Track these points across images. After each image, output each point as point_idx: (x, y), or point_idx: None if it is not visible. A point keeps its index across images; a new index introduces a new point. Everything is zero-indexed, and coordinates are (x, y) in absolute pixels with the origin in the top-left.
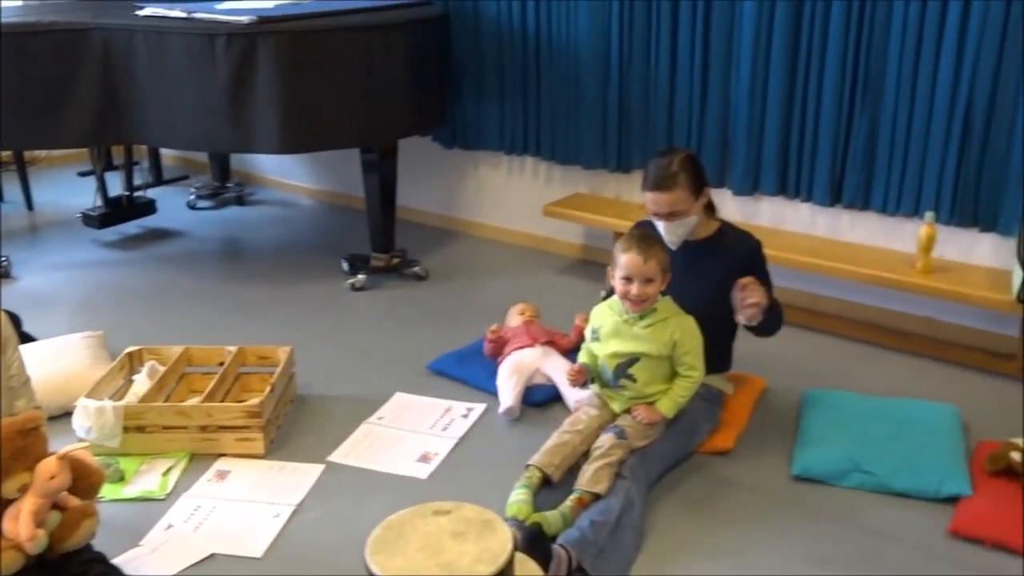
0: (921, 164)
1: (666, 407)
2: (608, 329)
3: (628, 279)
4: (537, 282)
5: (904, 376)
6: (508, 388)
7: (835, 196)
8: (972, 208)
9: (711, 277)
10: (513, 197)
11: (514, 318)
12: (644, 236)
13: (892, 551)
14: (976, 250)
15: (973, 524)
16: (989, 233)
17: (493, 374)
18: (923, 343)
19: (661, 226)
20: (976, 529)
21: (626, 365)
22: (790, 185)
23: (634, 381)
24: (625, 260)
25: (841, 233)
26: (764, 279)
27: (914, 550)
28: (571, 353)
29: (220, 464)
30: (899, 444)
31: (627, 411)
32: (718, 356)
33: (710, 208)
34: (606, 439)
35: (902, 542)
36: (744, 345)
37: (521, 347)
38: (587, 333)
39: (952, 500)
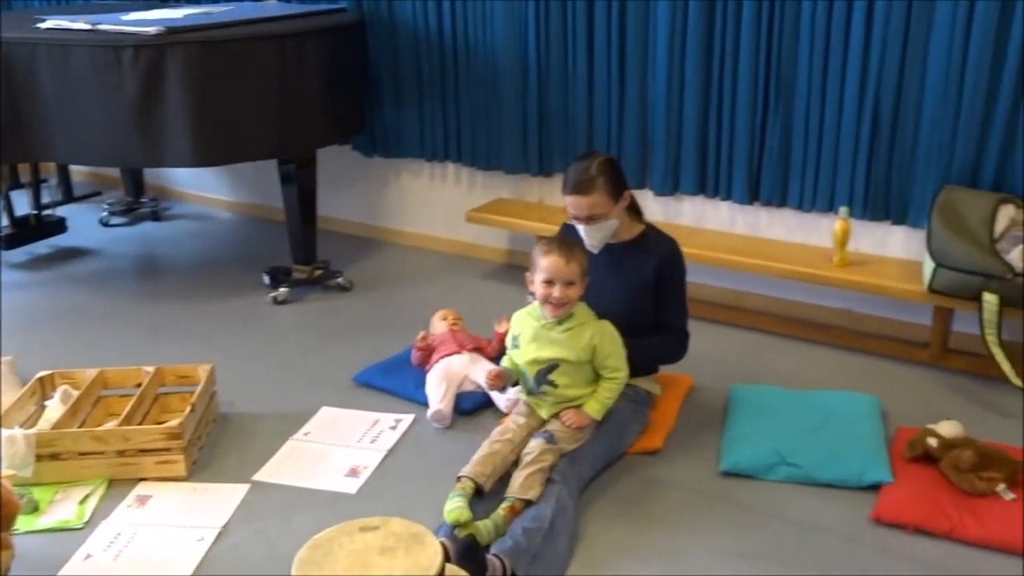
0: (834, 161)
1: (594, 409)
2: (527, 335)
3: (549, 282)
4: (462, 288)
5: (825, 368)
6: (438, 395)
7: (753, 194)
8: (884, 202)
9: (631, 280)
10: (436, 204)
11: (438, 324)
12: (565, 239)
13: (819, 542)
14: (889, 242)
15: (894, 510)
16: (901, 226)
17: (421, 384)
18: (842, 335)
19: (582, 229)
20: (898, 515)
21: (546, 371)
22: (709, 184)
23: (555, 387)
24: (547, 263)
25: (760, 230)
26: (674, 285)
27: (840, 540)
28: (497, 359)
29: (140, 489)
30: (823, 435)
31: (555, 416)
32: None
33: (634, 211)
34: (536, 445)
35: (828, 532)
36: None
37: (449, 354)
38: (508, 341)
39: (874, 487)
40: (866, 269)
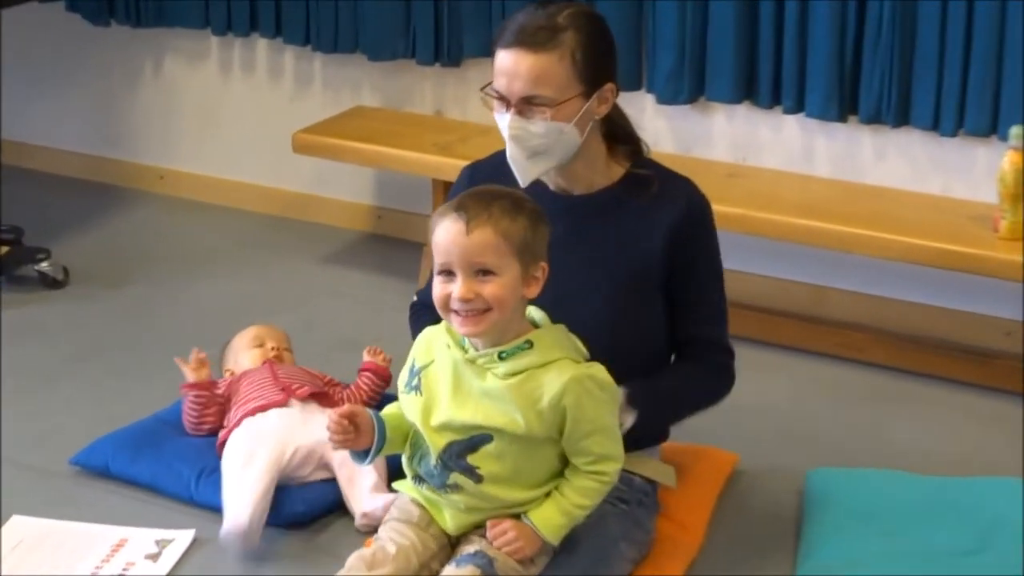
0: (997, 46)
1: (549, 523)
2: (439, 375)
3: (447, 271)
4: (287, 281)
5: (984, 433)
6: (243, 491)
7: (846, 103)
8: None
9: (618, 265)
10: (232, 119)
11: (244, 352)
12: (481, 188)
13: None
14: None
15: None
16: None
17: (210, 468)
18: (1014, 370)
19: (507, 133)
20: None
21: (464, 449)
22: (761, 84)
23: (477, 479)
24: (440, 233)
25: (859, 171)
26: (704, 267)
27: None
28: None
29: None
30: (985, 565)
31: (477, 529)
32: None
33: (620, 131)
34: (461, 572)
35: None
36: None
37: (263, 407)
38: (402, 376)
39: None
40: None
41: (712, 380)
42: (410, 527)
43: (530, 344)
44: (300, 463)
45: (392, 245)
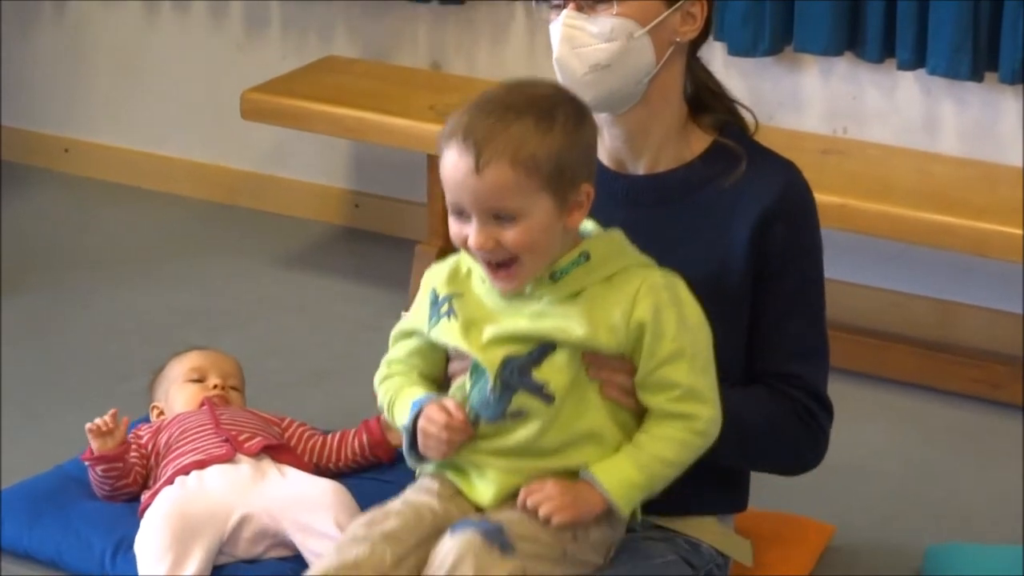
0: None
1: (617, 476)
2: (477, 301)
3: (458, 211)
4: (236, 290)
5: None
6: (170, 569)
7: (982, 57)
8: None
9: (692, 269)
10: (160, 74)
11: (179, 388)
12: (499, 92)
13: None
14: None
15: None
16: None
17: (129, 540)
18: None
19: (556, 37)
20: None
21: (526, 363)
22: (868, 33)
23: (547, 399)
24: (446, 165)
25: (1001, 146)
26: (801, 278)
27: None
28: (347, 472)
29: None
30: None
31: (511, 500)
32: (715, 472)
33: (710, 100)
34: (457, 543)
35: None
36: None
37: (200, 463)
38: (416, 312)
39: None
40: None
41: (792, 421)
42: (428, 494)
43: (587, 256)
44: (252, 539)
45: (374, 242)
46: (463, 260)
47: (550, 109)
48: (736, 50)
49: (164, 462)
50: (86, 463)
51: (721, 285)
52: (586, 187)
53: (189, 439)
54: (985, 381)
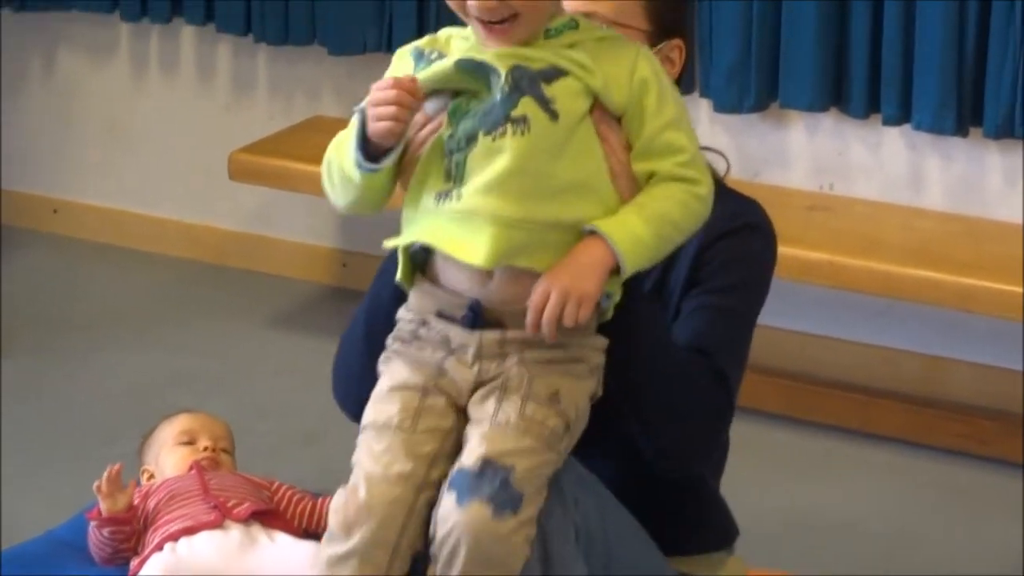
0: None
1: (625, 229)
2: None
3: None
4: (225, 352)
5: None
6: None
7: (966, 112)
8: None
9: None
10: (149, 134)
11: (168, 452)
12: None
13: None
14: None
15: None
16: None
17: None
18: None
19: None
20: None
21: (536, 76)
22: (853, 87)
23: (552, 115)
24: None
25: (987, 201)
26: (735, 296)
27: None
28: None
29: None
30: None
31: (490, 397)
32: (696, 509)
33: None
34: (463, 522)
35: None
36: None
37: (188, 530)
38: (394, 66)
39: None
40: None
41: (697, 376)
42: (393, 435)
43: (576, 23)
44: None
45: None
46: (441, 33)
47: None
48: (722, 107)
49: (152, 528)
50: (92, 522)
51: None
52: None
53: (178, 505)
54: (973, 436)
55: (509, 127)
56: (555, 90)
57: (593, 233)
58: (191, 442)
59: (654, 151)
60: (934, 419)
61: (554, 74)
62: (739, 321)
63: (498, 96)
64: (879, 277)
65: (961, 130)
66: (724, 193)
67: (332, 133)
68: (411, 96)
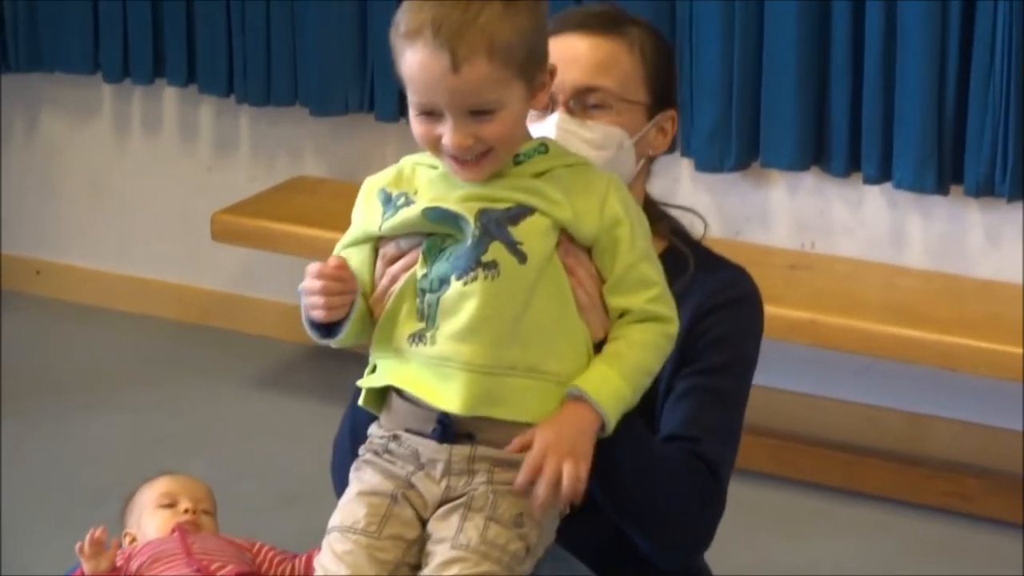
0: None
1: (607, 388)
2: (431, 183)
3: (428, 111)
4: (208, 413)
5: None
6: None
7: (946, 171)
8: None
9: None
10: (131, 195)
11: (150, 514)
12: None
13: None
14: None
15: None
16: None
17: None
18: None
19: (554, 124)
20: None
21: (503, 218)
22: (834, 146)
23: (521, 257)
24: (412, 65)
25: (968, 260)
26: (724, 377)
27: None
28: None
29: None
30: None
31: (480, 436)
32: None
33: (656, 208)
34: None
35: None
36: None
37: None
38: (366, 217)
39: None
40: None
41: (686, 476)
42: (357, 539)
43: (545, 147)
44: None
45: (343, 362)
46: (405, 164)
47: None
48: (703, 166)
49: None
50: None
51: (650, 392)
52: (550, 67)
53: (161, 568)
54: (957, 494)
55: (480, 272)
56: (522, 231)
57: (579, 396)
58: (172, 504)
59: (627, 285)
60: (918, 477)
61: (521, 213)
62: (731, 401)
63: (469, 240)
64: (861, 335)
65: (942, 188)
66: (710, 260)
67: (315, 194)
68: (340, 282)
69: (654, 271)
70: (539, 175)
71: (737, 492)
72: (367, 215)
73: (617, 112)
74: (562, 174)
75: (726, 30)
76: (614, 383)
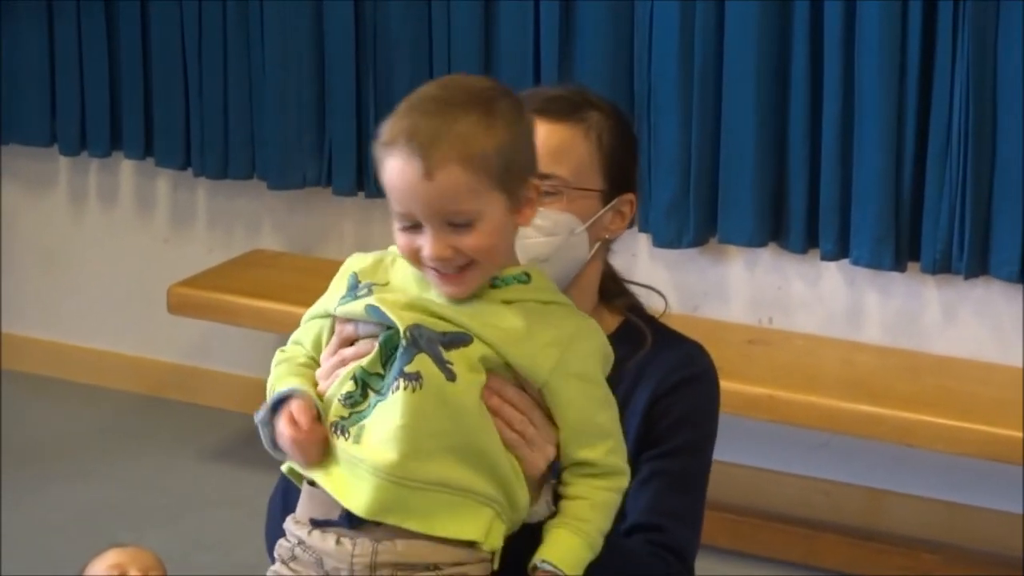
0: None
1: (573, 556)
2: (400, 289)
3: (407, 221)
4: (162, 485)
5: None
6: None
7: (904, 249)
8: None
9: None
10: (87, 267)
11: None
12: (438, 88)
13: None
14: None
15: None
16: None
17: None
18: None
19: None
20: None
21: (436, 338)
22: (792, 223)
23: (449, 376)
24: (390, 173)
25: (925, 336)
26: (686, 456)
27: None
28: None
29: None
30: None
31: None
32: None
33: (614, 286)
34: None
35: None
36: None
37: None
38: (332, 296)
39: None
40: None
41: (655, 565)
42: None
43: (527, 277)
44: None
45: None
46: (388, 253)
47: (490, 102)
48: (661, 242)
49: None
50: None
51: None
52: (534, 182)
53: None
54: (915, 569)
55: (402, 381)
56: (454, 357)
57: (551, 570)
58: (121, 575)
59: (588, 435)
60: (876, 552)
61: (455, 341)
62: (693, 483)
63: (400, 347)
64: (819, 411)
65: (899, 265)
66: (666, 336)
67: (272, 267)
68: (314, 445)
69: (609, 420)
70: (508, 303)
71: (697, 568)
72: (332, 292)
73: (568, 199)
74: (532, 308)
75: (684, 106)
76: (580, 555)
